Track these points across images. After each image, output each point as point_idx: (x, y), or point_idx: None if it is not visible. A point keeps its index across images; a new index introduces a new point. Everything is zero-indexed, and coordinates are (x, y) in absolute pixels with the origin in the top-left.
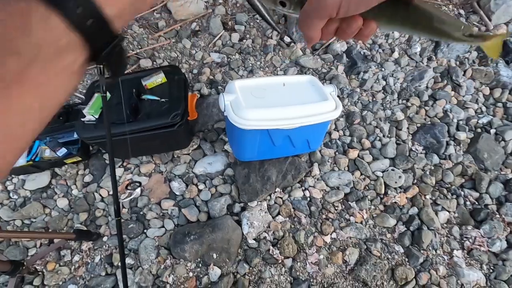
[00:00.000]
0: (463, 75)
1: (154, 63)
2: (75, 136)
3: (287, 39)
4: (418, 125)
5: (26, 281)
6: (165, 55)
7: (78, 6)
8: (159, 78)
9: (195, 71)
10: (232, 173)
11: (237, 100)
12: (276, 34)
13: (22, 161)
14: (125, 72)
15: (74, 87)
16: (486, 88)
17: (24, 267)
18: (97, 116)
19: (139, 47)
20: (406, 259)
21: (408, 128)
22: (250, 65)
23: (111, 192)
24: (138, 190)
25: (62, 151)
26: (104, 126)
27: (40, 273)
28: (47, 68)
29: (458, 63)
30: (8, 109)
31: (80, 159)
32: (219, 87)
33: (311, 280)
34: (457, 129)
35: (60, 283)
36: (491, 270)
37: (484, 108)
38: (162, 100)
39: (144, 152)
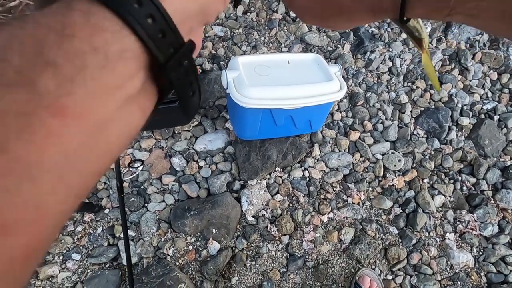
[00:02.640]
0: (472, 58)
1: None
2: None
3: (293, 14)
4: (422, 108)
5: None
6: None
7: (135, 1)
8: None
9: None
10: (233, 151)
11: (240, 77)
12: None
13: None
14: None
15: (136, 127)
16: (494, 73)
17: None
18: None
19: None
20: (400, 240)
21: (411, 111)
22: (254, 40)
23: (112, 166)
24: (140, 168)
25: None
26: None
27: None
28: (95, 86)
29: (468, 45)
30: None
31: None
32: (222, 62)
33: (307, 256)
34: (461, 114)
35: (64, 251)
36: (480, 253)
37: (490, 94)
38: None
39: (144, 127)
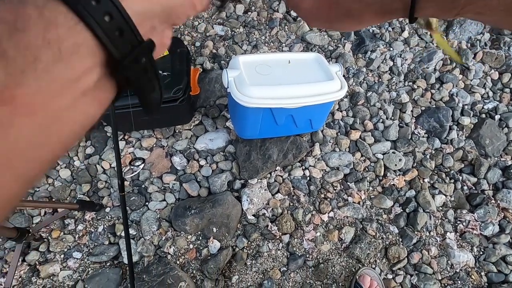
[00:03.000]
0: (473, 58)
1: None
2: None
3: (293, 13)
4: (423, 108)
5: (32, 247)
6: None
7: None
8: None
9: (197, 44)
10: (234, 150)
11: (241, 76)
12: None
13: None
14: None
15: (92, 118)
16: (495, 73)
17: (30, 234)
18: None
19: None
20: (400, 239)
21: (412, 111)
22: (255, 39)
23: (113, 165)
24: (141, 166)
25: None
26: None
27: (45, 240)
28: (48, 79)
29: (469, 45)
30: None
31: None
32: (222, 61)
33: (307, 255)
34: (462, 114)
35: (65, 250)
36: (481, 252)
37: (491, 93)
38: (164, 73)
39: (145, 126)
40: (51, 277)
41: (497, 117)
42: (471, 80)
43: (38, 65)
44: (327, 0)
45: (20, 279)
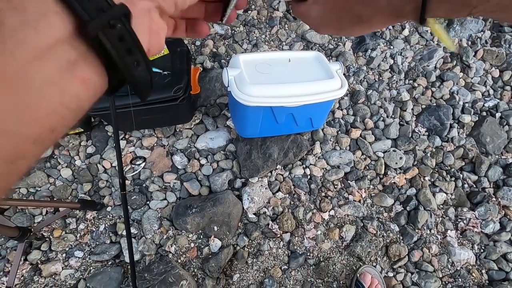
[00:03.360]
0: (474, 56)
1: None
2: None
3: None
4: (423, 106)
5: (34, 246)
6: None
7: None
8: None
9: (197, 43)
10: (234, 149)
11: (241, 75)
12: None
13: None
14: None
15: (75, 97)
16: (496, 70)
17: (31, 233)
18: None
19: None
20: (401, 237)
21: (412, 109)
22: (255, 38)
23: (114, 164)
24: (142, 165)
25: None
26: (106, 98)
27: (47, 239)
28: (10, 43)
29: (470, 43)
30: None
31: (82, 130)
32: (223, 60)
33: (308, 254)
34: (462, 111)
35: (67, 249)
36: (482, 250)
37: (491, 91)
38: (165, 72)
39: (146, 125)
40: (53, 276)
41: (497, 115)
42: (471, 78)
43: (2, 30)
44: (337, 7)
45: (22, 278)
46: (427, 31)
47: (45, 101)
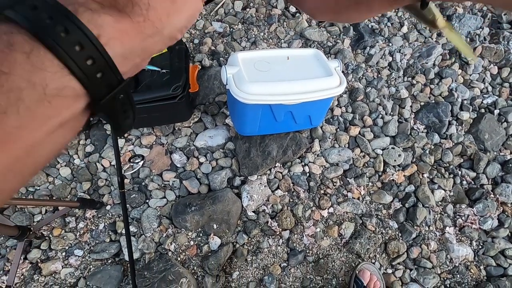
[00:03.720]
0: (472, 52)
1: None
2: None
3: (292, 9)
4: (422, 103)
5: (34, 245)
6: None
7: (75, 41)
8: None
9: (196, 40)
10: (233, 147)
11: (240, 73)
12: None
13: None
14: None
15: (65, 144)
16: (494, 67)
17: (31, 232)
18: None
19: None
20: (400, 234)
21: (411, 106)
22: (253, 36)
23: (113, 163)
24: (141, 163)
25: None
26: None
27: (46, 238)
28: (29, 117)
29: (468, 39)
30: None
31: (80, 129)
32: (221, 58)
33: (307, 251)
34: (461, 108)
35: (67, 247)
36: (480, 246)
37: (490, 88)
38: (163, 71)
39: (144, 124)
40: (53, 275)
41: (496, 111)
42: (470, 75)
43: (20, 105)
44: None
45: (22, 277)
46: (425, 28)
47: (42, 156)
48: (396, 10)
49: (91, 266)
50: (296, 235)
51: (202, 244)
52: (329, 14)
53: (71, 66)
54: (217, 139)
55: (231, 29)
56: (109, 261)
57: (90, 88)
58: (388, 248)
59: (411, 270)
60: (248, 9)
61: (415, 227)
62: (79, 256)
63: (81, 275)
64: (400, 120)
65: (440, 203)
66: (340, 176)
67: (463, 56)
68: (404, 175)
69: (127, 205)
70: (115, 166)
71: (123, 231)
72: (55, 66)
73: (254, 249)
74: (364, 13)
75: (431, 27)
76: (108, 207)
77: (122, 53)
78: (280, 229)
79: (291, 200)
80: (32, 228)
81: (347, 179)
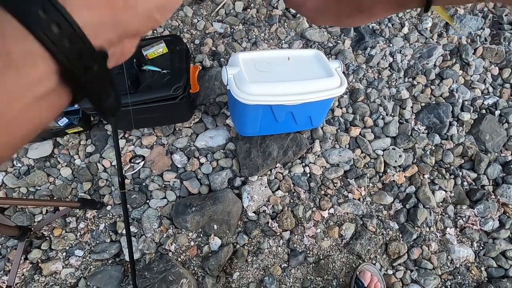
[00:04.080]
0: (473, 53)
1: (155, 31)
2: (76, 106)
3: (293, 10)
4: (423, 104)
5: (34, 245)
6: (166, 24)
7: (38, 7)
8: (160, 48)
9: (197, 41)
10: (234, 148)
11: (240, 73)
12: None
13: None
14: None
15: (43, 124)
16: (495, 68)
17: (31, 233)
18: None
19: None
20: (400, 235)
21: (412, 107)
22: (254, 36)
23: (113, 163)
24: (141, 163)
25: (63, 120)
26: None
27: (47, 238)
28: None
29: (469, 40)
30: None
31: (81, 129)
32: (222, 59)
33: (308, 252)
34: (462, 109)
35: (67, 248)
36: (481, 248)
37: (491, 89)
38: (164, 71)
39: (145, 124)
40: (54, 275)
41: (497, 112)
42: (471, 76)
43: None
44: None
45: (22, 277)
46: (426, 28)
47: (18, 131)
48: None
49: (91, 267)
50: (296, 236)
51: (202, 245)
52: (329, 21)
53: (35, 31)
54: (218, 139)
55: (232, 29)
56: (110, 262)
57: (58, 56)
58: (389, 249)
59: (411, 271)
60: (249, 10)
61: (416, 228)
62: (79, 256)
63: (81, 275)
64: (400, 121)
65: (441, 204)
66: (340, 177)
67: (463, 57)
68: (404, 176)
69: (128, 206)
70: (116, 167)
71: (124, 232)
72: (20, 32)
73: (255, 249)
74: (365, 19)
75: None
76: (108, 208)
77: (91, 23)
78: (281, 230)
79: (292, 200)
80: (32, 228)
81: (348, 179)
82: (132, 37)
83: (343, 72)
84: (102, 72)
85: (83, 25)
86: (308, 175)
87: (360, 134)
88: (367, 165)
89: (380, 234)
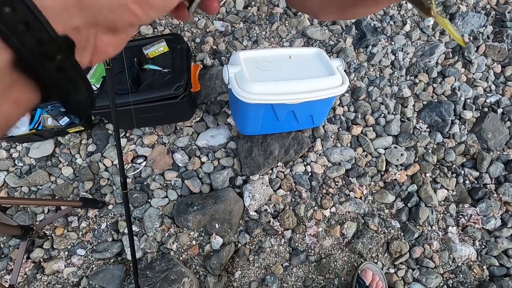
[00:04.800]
0: (476, 51)
1: (155, 30)
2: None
3: (294, 9)
4: (425, 102)
5: (36, 244)
6: (167, 22)
7: None
8: (161, 47)
9: (197, 40)
10: (235, 147)
11: (242, 72)
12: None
13: (24, 129)
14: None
15: (4, 116)
16: (498, 66)
17: (33, 232)
18: (98, 85)
19: None
20: (402, 234)
21: (414, 105)
22: (255, 35)
23: (115, 162)
24: (143, 164)
25: (64, 120)
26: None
27: (49, 237)
28: None
29: (471, 38)
30: None
31: (82, 128)
32: (223, 57)
33: (309, 250)
34: (464, 108)
35: (69, 247)
36: (483, 246)
37: (493, 87)
38: (165, 70)
39: (146, 123)
40: (56, 274)
41: (499, 110)
42: (473, 74)
43: None
44: None
45: (25, 276)
46: (428, 26)
47: None
48: (399, 8)
49: (93, 266)
50: (298, 235)
51: (204, 244)
52: (334, 13)
53: None
54: (219, 138)
55: (233, 28)
56: (112, 261)
57: (12, 42)
58: (391, 247)
59: (413, 270)
60: (249, 8)
61: (418, 226)
62: (81, 256)
63: (83, 274)
64: (402, 119)
65: (442, 202)
66: (342, 176)
67: (465, 55)
68: (406, 175)
69: (129, 205)
70: (117, 167)
71: (125, 231)
72: None
73: (256, 248)
74: (371, 7)
75: (425, 14)
76: (110, 207)
77: (52, 7)
78: (282, 229)
79: (293, 199)
80: (34, 228)
81: (349, 178)
82: (109, 31)
83: (345, 71)
84: (68, 63)
85: (43, 8)
86: (310, 174)
87: (361, 132)
88: (368, 164)
89: (382, 233)
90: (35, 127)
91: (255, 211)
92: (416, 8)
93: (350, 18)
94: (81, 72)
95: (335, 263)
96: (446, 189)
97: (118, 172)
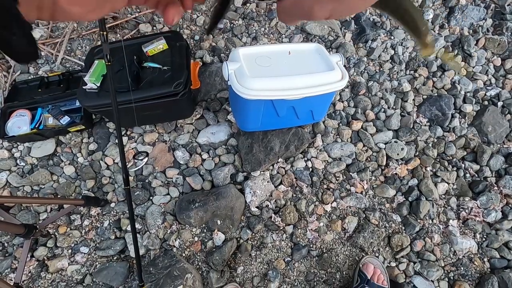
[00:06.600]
0: (475, 44)
1: (154, 28)
2: (77, 104)
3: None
4: (425, 96)
5: (40, 243)
6: None
7: None
8: (160, 45)
9: (196, 37)
10: (236, 143)
11: (241, 69)
12: None
13: (26, 129)
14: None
15: None
16: (497, 59)
17: (37, 230)
18: (98, 84)
19: (138, 10)
20: (403, 228)
21: (414, 99)
22: (254, 31)
23: (116, 160)
24: (145, 160)
25: (65, 119)
26: (106, 95)
27: (52, 236)
28: None
29: (471, 31)
30: None
31: (83, 127)
32: (222, 54)
33: (311, 245)
34: (464, 101)
35: (72, 245)
36: (484, 239)
37: (493, 80)
38: (164, 68)
39: (147, 121)
40: (60, 272)
41: (499, 103)
42: (473, 67)
43: None
44: None
45: (29, 274)
46: (428, 20)
47: None
48: None
49: (97, 263)
50: (299, 230)
51: (206, 240)
52: (329, 9)
53: None
54: (220, 135)
55: (232, 24)
56: (115, 258)
57: None
58: (392, 241)
59: (414, 263)
60: (248, 4)
61: (419, 220)
62: (85, 253)
63: (87, 271)
64: (402, 113)
65: (443, 196)
66: (343, 171)
67: (465, 48)
68: (407, 169)
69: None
70: (120, 163)
71: (128, 228)
72: None
73: (258, 244)
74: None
75: (420, 41)
76: (112, 205)
77: None
78: (284, 224)
79: (294, 195)
80: (38, 226)
81: (350, 173)
82: None
83: (344, 66)
84: (3, 6)
85: None
86: (310, 169)
87: (362, 127)
88: (369, 159)
89: (383, 227)
90: (36, 126)
91: (257, 207)
92: (411, 34)
93: (348, 13)
94: (20, 16)
95: (337, 257)
96: (447, 182)
97: (120, 170)
